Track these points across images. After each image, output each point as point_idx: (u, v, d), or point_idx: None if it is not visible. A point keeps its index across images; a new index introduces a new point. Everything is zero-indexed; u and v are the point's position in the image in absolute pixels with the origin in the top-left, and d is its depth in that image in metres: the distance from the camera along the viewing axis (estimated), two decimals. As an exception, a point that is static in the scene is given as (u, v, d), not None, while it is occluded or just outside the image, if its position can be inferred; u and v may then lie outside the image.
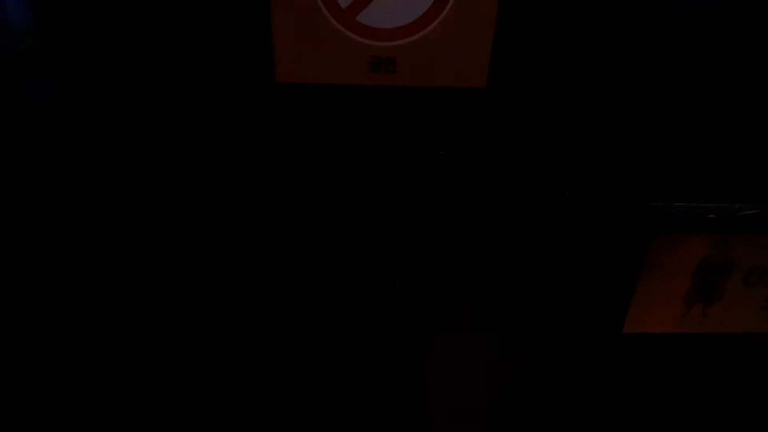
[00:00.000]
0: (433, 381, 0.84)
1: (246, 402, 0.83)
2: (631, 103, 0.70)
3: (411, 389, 0.84)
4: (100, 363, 0.80)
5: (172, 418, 0.83)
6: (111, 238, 0.74)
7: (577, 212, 0.73)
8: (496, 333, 0.82)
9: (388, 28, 0.67)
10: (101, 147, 0.70)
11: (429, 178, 0.74)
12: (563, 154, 0.72)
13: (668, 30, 0.66)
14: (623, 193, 0.71)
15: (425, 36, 0.68)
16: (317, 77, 0.68)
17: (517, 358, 0.83)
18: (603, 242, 0.74)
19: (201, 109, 0.70)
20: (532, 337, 0.82)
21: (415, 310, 0.80)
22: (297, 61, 0.67)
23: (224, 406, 0.84)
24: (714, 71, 0.68)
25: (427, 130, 0.72)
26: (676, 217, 0.70)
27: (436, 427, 0.86)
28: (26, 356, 0.79)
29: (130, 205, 0.73)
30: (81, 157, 0.71)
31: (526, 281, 0.78)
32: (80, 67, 0.66)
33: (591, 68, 0.69)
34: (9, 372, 0.79)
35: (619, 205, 0.71)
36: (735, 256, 0.77)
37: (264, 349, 0.81)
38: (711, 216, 0.70)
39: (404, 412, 0.86)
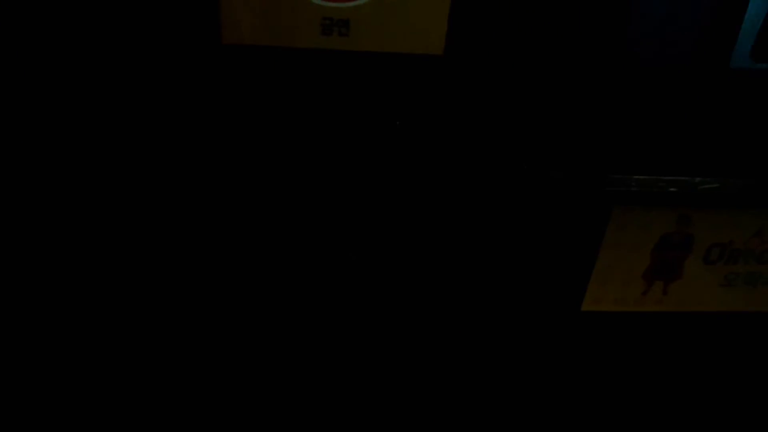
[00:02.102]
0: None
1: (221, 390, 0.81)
2: (590, 74, 0.67)
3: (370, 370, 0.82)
4: (94, 362, 0.78)
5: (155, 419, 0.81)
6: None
7: (534, 185, 0.70)
8: (453, 310, 0.80)
9: (340, -11, 0.63)
10: (49, 112, 0.66)
11: (384, 148, 0.71)
12: (521, 126, 0.70)
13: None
14: (581, 165, 0.69)
15: (381, -3, 0.64)
16: (265, 39, 0.65)
17: (473, 336, 0.81)
18: (560, 217, 0.72)
19: (144, 74, 0.66)
20: (488, 314, 0.80)
21: (371, 285, 0.77)
22: (243, 22, 0.64)
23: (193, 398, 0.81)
24: (673, 43, 0.66)
25: (381, 97, 0.69)
26: (636, 190, 0.68)
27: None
28: (23, 357, 0.77)
29: (77, 173, 0.69)
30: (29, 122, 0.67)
31: (481, 256, 0.76)
32: (22, 24, 0.62)
33: (549, 38, 0.66)
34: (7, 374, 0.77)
35: (577, 177, 0.69)
36: (695, 233, 0.75)
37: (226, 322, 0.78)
38: (672, 189, 0.69)
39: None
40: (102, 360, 0.79)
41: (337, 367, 0.82)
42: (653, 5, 0.63)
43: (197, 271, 0.75)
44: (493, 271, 0.77)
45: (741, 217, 0.74)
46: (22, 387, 0.79)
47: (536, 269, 0.77)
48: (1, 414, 0.80)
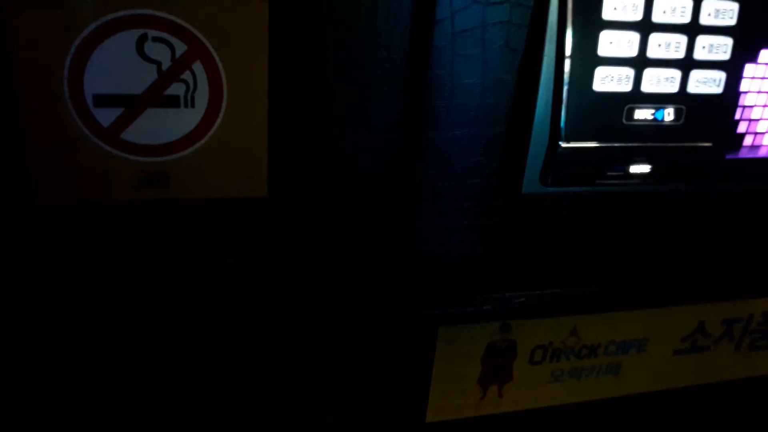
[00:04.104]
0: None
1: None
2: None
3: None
4: None
5: None
6: None
7: (364, 316, 0.74)
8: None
9: (157, 144, 0.66)
10: None
11: (217, 287, 0.72)
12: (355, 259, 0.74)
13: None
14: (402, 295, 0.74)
15: (199, 149, 0.67)
16: (81, 195, 0.65)
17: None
18: (392, 339, 0.76)
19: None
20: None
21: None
22: (59, 181, 0.64)
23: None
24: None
25: (209, 241, 0.71)
26: (454, 311, 0.74)
27: None
28: None
29: None
30: None
31: (323, 382, 0.78)
32: None
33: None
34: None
35: (399, 309, 0.73)
36: (517, 338, 0.81)
37: None
38: (486, 308, 0.74)
39: None
40: None
41: None
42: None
43: None
44: (335, 395, 0.78)
45: (555, 321, 0.81)
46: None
47: (378, 388, 0.79)
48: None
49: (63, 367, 0.71)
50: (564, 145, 0.70)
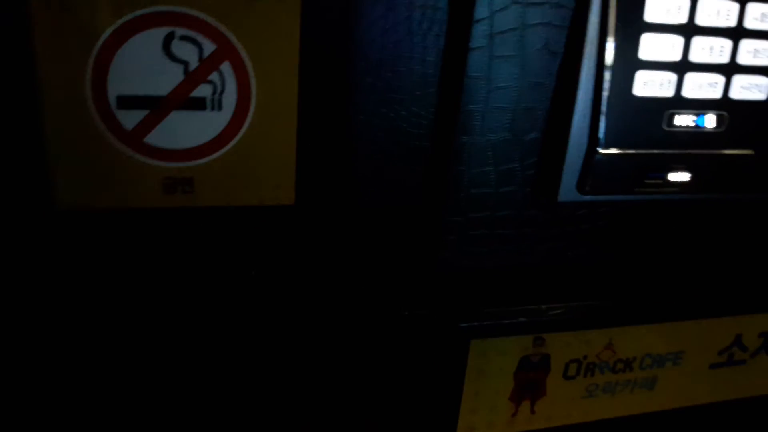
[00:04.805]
0: None
1: None
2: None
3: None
4: None
5: None
6: None
7: (393, 326, 0.71)
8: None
9: (182, 149, 0.63)
10: None
11: (241, 298, 0.70)
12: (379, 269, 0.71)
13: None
14: (435, 305, 0.71)
15: (225, 154, 0.64)
16: (102, 202, 0.62)
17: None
18: (422, 352, 0.73)
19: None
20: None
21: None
22: (79, 186, 0.61)
23: None
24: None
25: (235, 250, 0.68)
26: (488, 323, 0.71)
27: None
28: None
29: None
30: None
31: (351, 397, 0.75)
32: None
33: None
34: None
35: (431, 316, 0.70)
36: (551, 352, 0.78)
37: None
38: (521, 320, 0.71)
39: None
40: None
41: None
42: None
43: None
44: (362, 412, 0.75)
45: (590, 334, 0.78)
46: None
47: (407, 404, 0.76)
48: None
49: (83, 376, 0.68)
50: (602, 151, 0.68)
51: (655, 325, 0.81)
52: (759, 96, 0.71)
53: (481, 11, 0.62)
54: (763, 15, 0.68)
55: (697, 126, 0.71)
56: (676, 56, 0.67)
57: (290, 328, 0.71)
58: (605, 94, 0.66)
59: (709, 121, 0.71)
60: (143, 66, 0.59)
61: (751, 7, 0.68)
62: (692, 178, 0.73)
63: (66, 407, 0.68)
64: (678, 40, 0.66)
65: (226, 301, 0.69)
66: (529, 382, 0.79)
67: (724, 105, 0.70)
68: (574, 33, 0.65)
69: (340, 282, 0.71)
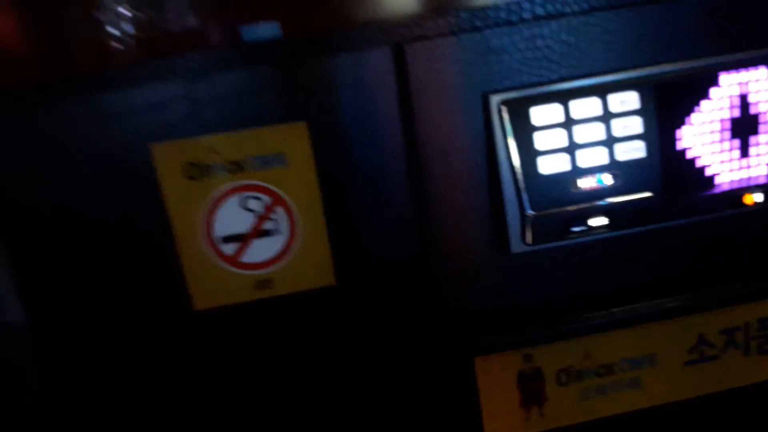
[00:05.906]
0: None
1: None
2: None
3: None
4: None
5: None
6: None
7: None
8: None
9: (263, 261, 1.04)
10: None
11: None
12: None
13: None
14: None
15: (289, 259, 1.04)
16: (221, 301, 1.04)
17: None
18: (444, 379, 1.04)
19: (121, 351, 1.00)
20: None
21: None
22: (207, 292, 1.03)
23: None
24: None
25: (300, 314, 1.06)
26: (484, 344, 1.02)
27: None
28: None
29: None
30: None
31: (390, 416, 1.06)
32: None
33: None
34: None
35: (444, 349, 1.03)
36: (541, 366, 1.06)
37: None
38: (511, 339, 1.02)
39: None
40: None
41: None
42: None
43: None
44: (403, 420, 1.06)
45: (569, 344, 1.05)
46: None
47: (442, 419, 1.06)
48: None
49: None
50: (529, 212, 1.00)
51: (621, 331, 1.06)
52: (639, 155, 1.01)
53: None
54: (622, 102, 1.00)
55: (599, 184, 1.01)
56: (564, 143, 1.00)
57: (348, 369, 1.05)
58: (519, 177, 0.99)
59: (607, 179, 1.01)
60: (232, 216, 1.02)
61: (611, 98, 0.99)
62: (610, 221, 1.02)
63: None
64: (562, 132, 0.99)
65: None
66: (532, 392, 1.06)
67: (615, 166, 1.01)
68: (488, 138, 1.00)
69: (373, 334, 1.06)
